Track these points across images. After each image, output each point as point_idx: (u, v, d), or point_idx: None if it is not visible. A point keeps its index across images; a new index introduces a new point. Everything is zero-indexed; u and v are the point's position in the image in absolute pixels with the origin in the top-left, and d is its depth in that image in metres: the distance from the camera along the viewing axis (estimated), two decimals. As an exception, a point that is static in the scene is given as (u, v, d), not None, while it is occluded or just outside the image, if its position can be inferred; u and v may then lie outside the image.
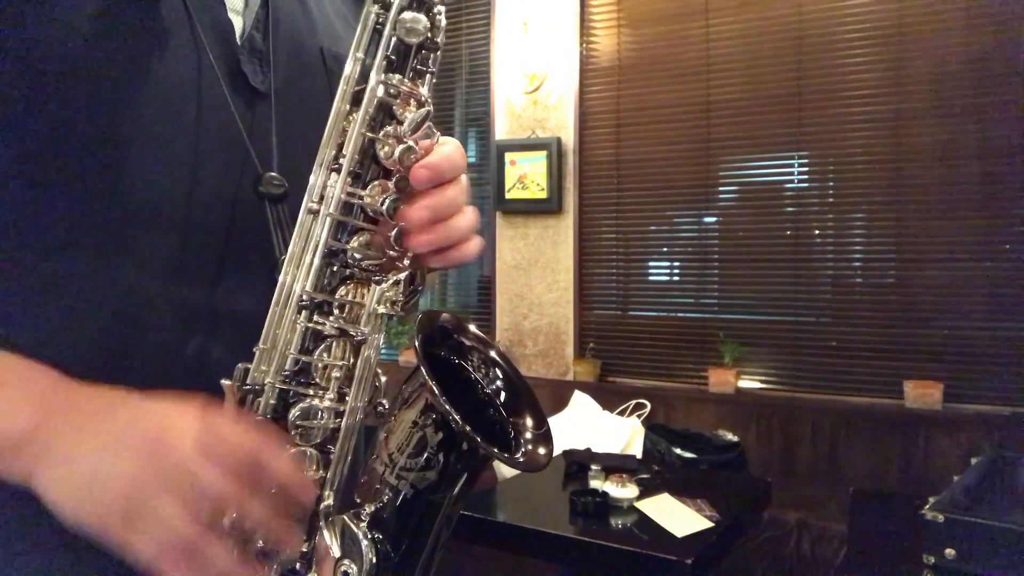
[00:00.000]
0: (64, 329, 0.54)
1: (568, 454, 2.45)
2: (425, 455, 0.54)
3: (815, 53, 3.19)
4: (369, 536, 0.53)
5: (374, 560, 0.53)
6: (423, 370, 0.53)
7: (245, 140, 0.61)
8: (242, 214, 0.61)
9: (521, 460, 0.57)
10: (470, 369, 0.61)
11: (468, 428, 0.51)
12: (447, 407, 0.51)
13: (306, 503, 0.51)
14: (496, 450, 0.54)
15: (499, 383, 0.61)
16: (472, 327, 0.62)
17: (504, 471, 2.82)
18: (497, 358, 0.61)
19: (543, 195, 3.66)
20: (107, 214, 0.55)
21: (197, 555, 0.46)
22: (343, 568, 0.53)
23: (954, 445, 2.83)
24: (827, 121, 3.18)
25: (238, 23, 0.63)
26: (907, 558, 1.69)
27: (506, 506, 2.25)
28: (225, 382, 0.53)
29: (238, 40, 0.62)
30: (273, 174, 0.61)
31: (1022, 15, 2.85)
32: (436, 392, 0.51)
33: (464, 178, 0.59)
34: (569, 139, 3.66)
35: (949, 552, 1.54)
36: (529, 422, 0.60)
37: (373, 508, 0.55)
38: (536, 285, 3.75)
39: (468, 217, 0.58)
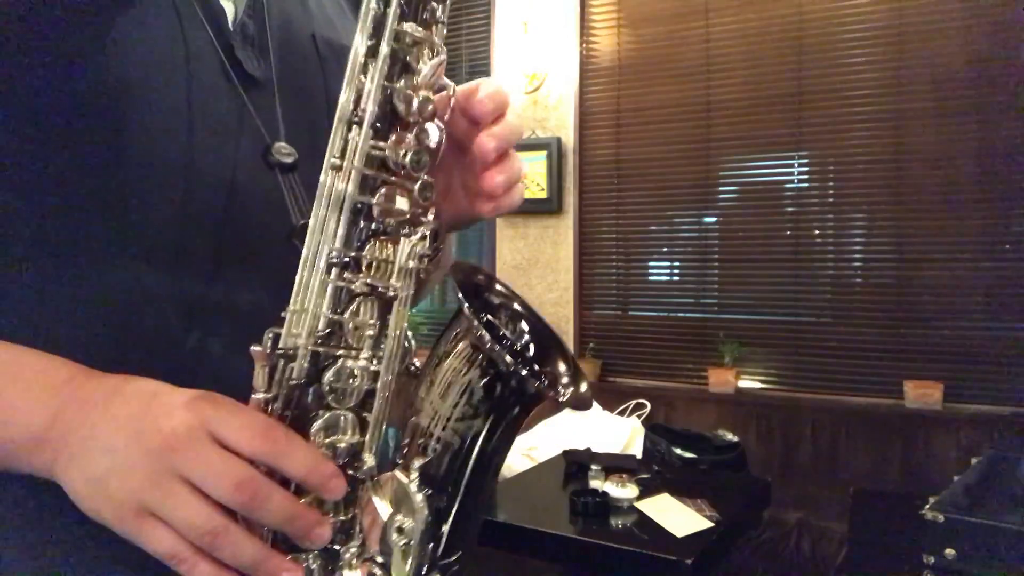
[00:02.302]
0: (62, 323, 0.54)
1: (568, 454, 2.45)
2: (472, 402, 0.53)
3: (815, 53, 3.19)
4: (422, 489, 0.53)
5: (428, 514, 0.52)
6: (466, 313, 0.52)
7: (252, 114, 0.60)
8: (241, 200, 0.60)
9: (568, 399, 0.57)
10: (499, 325, 0.60)
11: (518, 366, 0.50)
12: (495, 348, 0.50)
13: (333, 494, 0.50)
14: (544, 386, 0.53)
15: (527, 337, 0.60)
16: (498, 284, 0.62)
17: (504, 471, 2.82)
18: (520, 309, 0.60)
19: (543, 195, 3.66)
20: (103, 206, 0.55)
21: (219, 546, 0.45)
22: (398, 523, 0.52)
23: (954, 445, 2.83)
24: (827, 121, 3.18)
25: (229, 9, 0.63)
26: (907, 558, 1.69)
27: (506, 506, 2.25)
28: (255, 348, 0.51)
29: (230, 27, 0.62)
30: (282, 143, 0.60)
31: (1022, 15, 2.85)
32: (483, 336, 0.51)
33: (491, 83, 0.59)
34: (569, 139, 3.66)
35: (949, 552, 1.54)
36: (562, 367, 0.59)
37: (421, 463, 0.54)
38: (536, 285, 3.75)
39: (519, 158, 0.60)
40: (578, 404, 0.56)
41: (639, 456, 2.82)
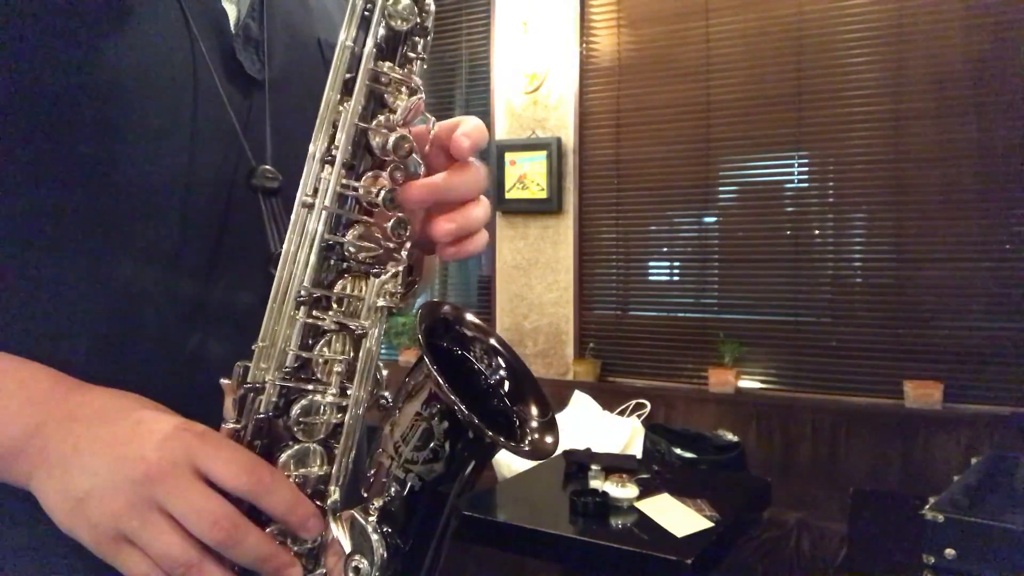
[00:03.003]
0: (60, 325, 0.54)
1: (568, 454, 2.45)
2: (431, 446, 0.53)
3: (815, 53, 3.19)
4: (379, 530, 0.53)
5: (384, 554, 0.53)
6: (426, 360, 0.52)
7: (238, 132, 0.60)
8: (237, 207, 0.60)
9: (527, 449, 0.56)
10: (472, 359, 0.60)
11: (474, 417, 0.51)
12: (452, 397, 0.51)
13: (311, 533, 0.51)
14: (502, 439, 0.53)
15: (501, 373, 0.60)
16: (472, 317, 0.62)
17: (504, 471, 2.82)
18: (498, 346, 0.61)
19: (543, 195, 3.66)
20: (101, 207, 0.54)
21: None
22: (354, 563, 0.52)
23: (954, 445, 2.83)
24: (827, 121, 3.18)
25: (232, 11, 0.62)
26: (907, 558, 1.69)
27: (506, 506, 2.25)
28: (224, 381, 0.52)
29: (232, 28, 0.61)
30: (267, 167, 0.60)
31: (1022, 15, 2.85)
32: (440, 382, 0.51)
33: (481, 166, 0.58)
34: (569, 139, 3.66)
35: (949, 552, 1.54)
36: (534, 411, 0.59)
37: (381, 502, 0.54)
38: (536, 285, 3.75)
39: (484, 207, 0.58)
40: (537, 455, 0.56)
41: (639, 456, 2.82)
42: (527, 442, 0.57)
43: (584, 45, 3.68)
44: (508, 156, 3.72)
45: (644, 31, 3.56)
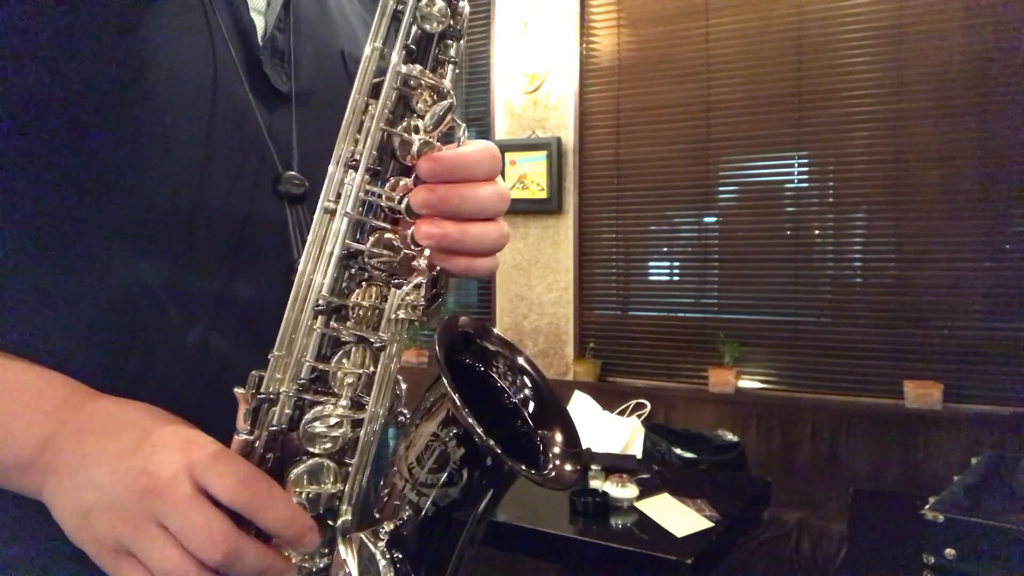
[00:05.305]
0: (63, 321, 0.54)
1: (568, 454, 2.44)
2: (447, 470, 0.51)
3: (815, 53, 3.19)
4: (388, 556, 0.51)
5: None
6: (444, 381, 0.50)
7: (265, 138, 0.59)
8: (257, 213, 0.59)
9: (548, 477, 0.53)
10: (496, 377, 0.58)
11: (492, 443, 0.48)
12: (470, 420, 0.48)
13: (307, 548, 0.50)
14: (522, 466, 0.50)
15: (526, 392, 0.58)
16: (498, 332, 0.59)
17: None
18: (525, 366, 0.58)
19: (543, 195, 3.66)
20: (113, 210, 0.54)
21: None
22: None
23: (954, 445, 2.83)
24: (827, 121, 3.18)
25: (260, 23, 0.62)
26: (907, 558, 1.69)
27: (506, 506, 2.25)
28: (239, 391, 0.50)
29: (260, 40, 0.61)
30: (293, 173, 0.59)
31: (1022, 15, 2.85)
32: (458, 404, 0.49)
33: (501, 186, 0.55)
34: (569, 139, 3.66)
35: (949, 552, 1.54)
36: (559, 437, 0.56)
37: (392, 526, 0.52)
38: (536, 285, 3.75)
39: (491, 229, 0.54)
40: (558, 485, 0.54)
41: (639, 456, 2.81)
42: (549, 468, 0.54)
43: (584, 45, 3.68)
44: (508, 156, 3.72)
45: (644, 31, 3.56)
